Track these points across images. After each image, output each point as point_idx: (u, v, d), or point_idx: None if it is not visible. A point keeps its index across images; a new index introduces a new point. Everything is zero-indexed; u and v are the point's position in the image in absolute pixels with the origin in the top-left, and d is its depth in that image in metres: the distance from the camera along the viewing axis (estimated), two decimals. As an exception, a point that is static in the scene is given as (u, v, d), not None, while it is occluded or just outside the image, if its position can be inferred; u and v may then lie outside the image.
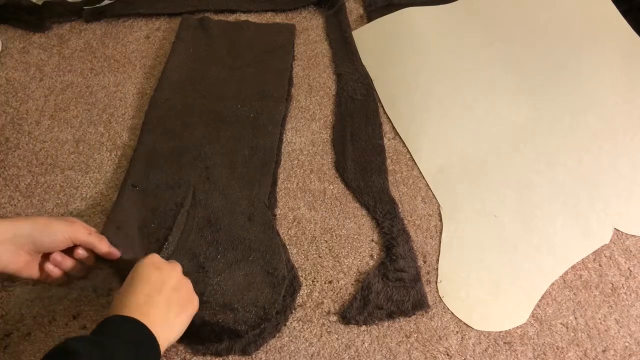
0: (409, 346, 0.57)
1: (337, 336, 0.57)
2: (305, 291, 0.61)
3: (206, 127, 0.73)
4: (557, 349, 0.57)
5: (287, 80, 0.81)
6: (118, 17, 0.91)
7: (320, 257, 0.63)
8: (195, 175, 0.68)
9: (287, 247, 0.64)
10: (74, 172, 0.70)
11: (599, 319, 0.59)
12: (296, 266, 0.62)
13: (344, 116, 0.77)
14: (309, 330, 0.58)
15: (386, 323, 0.58)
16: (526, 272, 0.63)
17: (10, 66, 0.83)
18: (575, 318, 0.59)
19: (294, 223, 0.66)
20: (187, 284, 0.53)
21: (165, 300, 0.49)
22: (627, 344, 0.58)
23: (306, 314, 0.59)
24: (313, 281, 0.61)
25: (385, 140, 0.75)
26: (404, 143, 0.75)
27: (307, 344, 0.57)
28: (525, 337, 0.58)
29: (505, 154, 0.74)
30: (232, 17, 0.92)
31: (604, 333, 0.58)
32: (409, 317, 0.59)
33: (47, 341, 0.56)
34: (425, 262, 0.63)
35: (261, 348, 0.56)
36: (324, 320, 0.58)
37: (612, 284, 0.62)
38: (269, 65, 0.82)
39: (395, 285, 0.59)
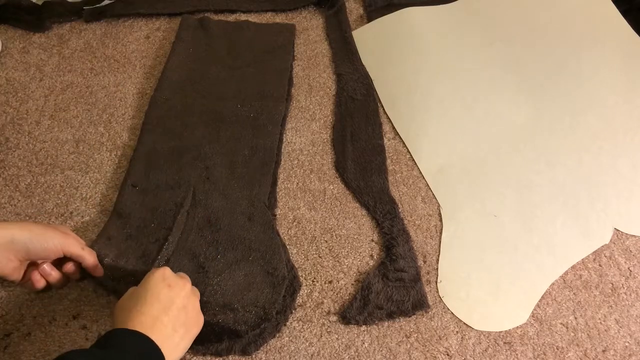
0: (409, 346, 0.57)
1: (337, 336, 0.57)
2: (305, 291, 0.61)
3: (206, 127, 0.73)
4: (557, 349, 0.57)
5: (287, 80, 0.81)
6: (118, 17, 0.91)
7: (320, 257, 0.63)
8: (195, 175, 0.68)
9: (287, 247, 0.64)
10: (74, 172, 0.70)
11: (599, 319, 0.59)
12: (296, 266, 0.62)
13: (344, 116, 0.77)
14: (309, 330, 0.58)
15: (386, 323, 0.58)
16: (526, 272, 0.63)
17: (10, 66, 0.83)
18: (575, 318, 0.59)
19: (294, 223, 0.66)
20: (195, 302, 0.52)
21: (172, 321, 0.48)
22: (627, 344, 0.58)
23: (306, 314, 0.59)
24: (313, 281, 0.61)
25: (385, 140, 0.75)
26: (404, 143, 0.75)
27: (307, 344, 0.57)
28: (525, 337, 0.58)
29: (505, 154, 0.74)
30: (232, 17, 0.92)
31: (604, 333, 0.58)
32: (409, 317, 0.59)
33: (47, 341, 0.56)
34: (425, 262, 0.63)
35: (261, 348, 0.56)
36: (324, 320, 0.58)
37: (612, 284, 0.62)
38: (269, 65, 0.82)
39: (395, 285, 0.59)
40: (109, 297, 0.59)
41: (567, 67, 0.83)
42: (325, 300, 0.60)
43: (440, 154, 0.74)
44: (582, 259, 0.64)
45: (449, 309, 0.60)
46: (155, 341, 0.45)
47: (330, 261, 0.63)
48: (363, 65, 0.84)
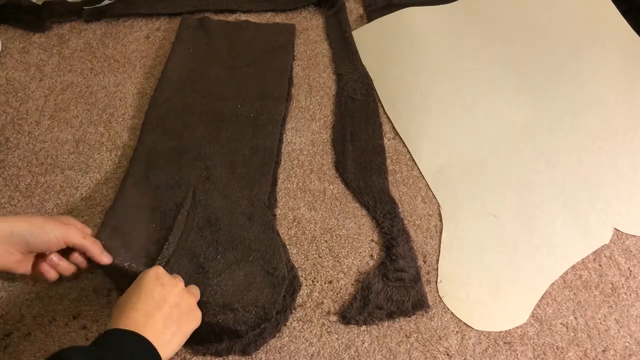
0: (409, 346, 0.57)
1: (337, 336, 0.57)
2: (305, 291, 0.61)
3: (206, 127, 0.73)
4: (557, 349, 0.57)
5: (287, 80, 0.80)
6: (118, 17, 0.91)
7: (320, 257, 0.63)
8: (195, 175, 0.68)
9: (287, 247, 0.64)
10: (74, 172, 0.70)
11: (599, 319, 0.59)
12: (296, 266, 0.62)
13: (344, 116, 0.77)
14: (309, 330, 0.58)
15: (386, 323, 0.58)
16: (526, 272, 0.63)
17: (10, 66, 0.83)
18: (575, 318, 0.59)
19: (294, 223, 0.66)
20: (188, 299, 0.53)
21: (163, 318, 0.48)
22: (627, 344, 0.58)
23: (306, 314, 0.59)
24: (313, 281, 0.61)
25: (385, 140, 0.75)
26: (404, 143, 0.75)
27: (307, 344, 0.57)
28: (525, 337, 0.58)
29: (505, 154, 0.74)
30: (232, 17, 0.92)
31: (604, 333, 0.58)
32: (409, 317, 0.59)
33: (47, 341, 0.56)
34: (425, 262, 0.63)
35: (261, 348, 0.56)
36: (324, 320, 0.58)
37: (612, 284, 0.62)
38: (269, 65, 0.82)
39: (395, 285, 0.59)
40: (109, 297, 0.59)
41: (567, 67, 0.83)
42: (325, 300, 0.60)
43: (440, 154, 0.74)
44: (582, 259, 0.64)
45: (449, 309, 0.60)
46: (148, 337, 0.46)
47: (330, 261, 0.63)
48: (363, 65, 0.84)
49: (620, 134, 0.75)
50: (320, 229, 0.66)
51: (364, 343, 0.57)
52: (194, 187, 0.66)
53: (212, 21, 0.88)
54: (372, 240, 0.65)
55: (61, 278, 0.56)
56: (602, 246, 0.65)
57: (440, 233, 0.66)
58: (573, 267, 0.63)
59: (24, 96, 0.79)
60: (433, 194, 0.70)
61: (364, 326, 0.58)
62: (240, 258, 0.60)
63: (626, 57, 0.84)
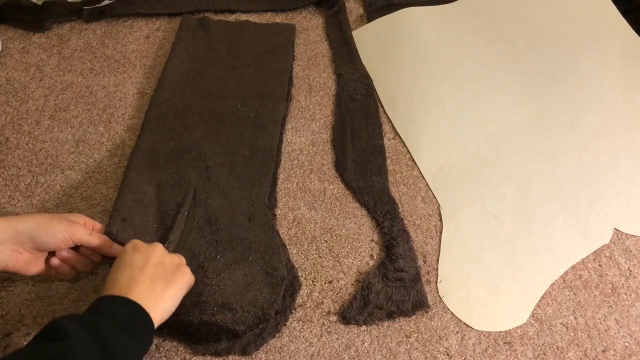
0: (409, 346, 0.57)
1: (337, 336, 0.57)
2: (305, 291, 0.61)
3: (206, 127, 0.73)
4: (557, 349, 0.57)
5: (287, 80, 0.81)
6: (118, 17, 0.91)
7: (320, 257, 0.63)
8: (195, 175, 0.68)
9: (287, 247, 0.64)
10: (74, 172, 0.70)
11: (599, 319, 0.59)
12: (296, 266, 0.62)
13: (344, 116, 0.77)
14: (309, 330, 0.58)
15: (386, 323, 0.58)
16: (526, 272, 0.63)
17: (10, 66, 0.83)
18: (575, 318, 0.59)
19: (294, 223, 0.66)
20: (172, 259, 0.53)
21: (149, 276, 0.49)
22: (627, 344, 0.58)
23: (306, 314, 0.59)
24: (313, 281, 0.61)
25: (385, 140, 0.75)
26: (404, 143, 0.75)
27: (307, 344, 0.57)
28: (525, 337, 0.58)
29: (505, 154, 0.74)
30: (232, 17, 0.92)
31: (604, 333, 0.58)
32: (409, 317, 0.59)
33: (47, 341, 0.56)
34: (425, 262, 0.63)
35: (261, 348, 0.56)
36: (324, 320, 0.58)
37: (612, 284, 0.62)
38: (269, 65, 0.82)
39: (395, 285, 0.59)
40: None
41: (567, 67, 0.83)
42: (325, 300, 0.60)
43: (440, 154, 0.74)
44: (582, 259, 0.64)
45: (449, 309, 0.60)
46: (135, 297, 0.47)
47: (330, 261, 0.63)
48: (363, 65, 0.84)
49: (620, 134, 0.75)
50: (320, 229, 0.66)
51: (364, 343, 0.57)
52: (194, 187, 0.66)
53: (212, 21, 0.88)
54: (372, 240, 0.65)
55: (78, 274, 0.57)
56: (602, 246, 0.65)
57: (440, 233, 0.66)
58: (573, 267, 0.63)
59: (24, 96, 0.79)
60: (433, 194, 0.70)
61: (364, 326, 0.58)
62: (240, 258, 0.60)
63: (626, 57, 0.84)
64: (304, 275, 0.62)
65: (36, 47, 0.86)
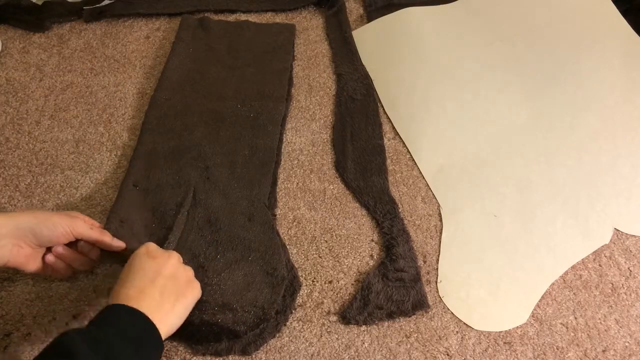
0: (409, 346, 0.57)
1: (337, 336, 0.57)
2: (305, 291, 0.61)
3: (206, 127, 0.73)
4: (557, 349, 0.57)
5: (287, 80, 0.81)
6: (118, 17, 0.91)
7: (320, 257, 0.63)
8: (195, 175, 0.68)
9: (287, 247, 0.64)
10: (74, 172, 0.70)
11: (599, 319, 0.59)
12: (296, 266, 0.62)
13: (344, 116, 0.77)
14: (309, 330, 0.58)
15: (386, 323, 0.58)
16: (526, 272, 0.63)
17: (10, 66, 0.83)
18: (575, 318, 0.59)
19: (294, 223, 0.66)
20: (185, 272, 0.53)
21: (159, 290, 0.48)
22: (627, 344, 0.58)
23: (306, 314, 0.59)
24: (313, 281, 0.61)
25: (385, 140, 0.75)
26: (404, 143, 0.75)
27: (307, 344, 0.57)
28: (525, 337, 0.58)
29: (505, 154, 0.74)
30: (232, 17, 0.92)
31: (604, 333, 0.58)
32: (409, 317, 0.59)
33: (47, 341, 0.56)
34: (425, 262, 0.63)
35: (261, 348, 0.56)
36: (324, 320, 0.58)
37: (612, 284, 0.62)
38: (269, 65, 0.82)
39: (395, 285, 0.59)
40: (109, 297, 0.59)
41: (567, 66, 0.83)
42: (325, 300, 0.60)
43: (440, 154, 0.74)
44: (582, 259, 0.64)
45: (449, 309, 0.60)
46: (143, 310, 0.46)
47: (330, 261, 0.63)
48: (363, 65, 0.84)
49: (620, 134, 0.75)
50: (320, 229, 0.66)
51: (364, 343, 0.57)
52: (194, 187, 0.66)
53: (212, 21, 0.88)
54: (372, 240, 0.65)
55: (75, 273, 0.56)
56: (602, 246, 0.65)
57: (440, 233, 0.66)
58: (573, 267, 0.63)
59: (24, 96, 0.79)
60: (433, 194, 0.70)
61: (364, 326, 0.58)
62: (240, 258, 0.60)
63: (626, 57, 0.84)
64: (304, 275, 0.62)
65: (36, 47, 0.86)
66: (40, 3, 0.90)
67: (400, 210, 0.67)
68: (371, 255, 0.64)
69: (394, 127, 0.77)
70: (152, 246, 0.52)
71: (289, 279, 0.60)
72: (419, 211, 0.68)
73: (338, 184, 0.70)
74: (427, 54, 0.86)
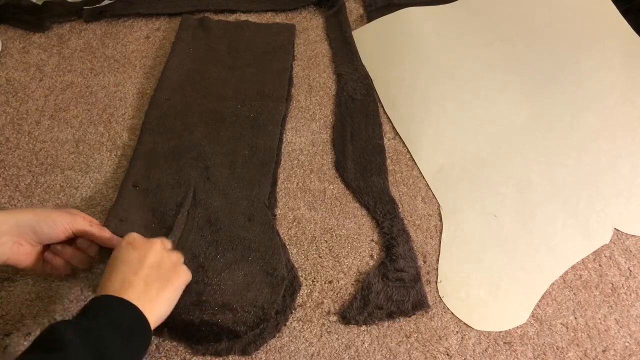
0: (409, 346, 0.57)
1: (337, 336, 0.57)
2: (305, 291, 0.61)
3: (206, 127, 0.73)
4: (557, 349, 0.57)
5: (287, 80, 0.81)
6: (118, 17, 0.91)
7: (320, 257, 0.63)
8: (195, 175, 0.68)
9: (287, 247, 0.64)
10: (74, 172, 0.70)
11: (599, 319, 0.59)
12: (296, 266, 0.62)
13: (344, 116, 0.77)
14: (309, 330, 0.58)
15: (386, 323, 0.58)
16: (526, 272, 0.63)
17: (10, 66, 0.83)
18: (575, 318, 0.59)
19: (294, 223, 0.66)
20: (170, 258, 0.53)
21: (143, 279, 0.49)
22: (627, 344, 0.58)
23: (306, 314, 0.59)
24: (313, 281, 0.61)
25: (385, 140, 0.75)
26: (404, 143, 0.75)
27: (307, 344, 0.57)
28: (525, 337, 0.58)
29: (505, 154, 0.74)
30: (232, 17, 0.92)
31: (604, 333, 0.58)
32: (409, 317, 0.59)
33: (47, 341, 0.56)
34: (425, 262, 0.63)
35: (261, 348, 0.56)
36: (324, 320, 0.58)
37: (612, 284, 0.62)
38: (269, 65, 0.82)
39: (395, 285, 0.59)
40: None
41: (567, 67, 0.83)
42: (325, 300, 0.60)
43: (440, 154, 0.74)
44: (582, 259, 0.64)
45: (449, 309, 0.60)
46: (129, 299, 0.46)
47: (330, 261, 0.63)
48: (363, 65, 0.84)
49: (620, 134, 0.75)
50: (320, 229, 0.66)
51: (364, 343, 0.57)
52: (194, 187, 0.66)
53: (212, 21, 0.88)
54: (372, 240, 0.65)
55: (74, 270, 0.56)
56: (602, 246, 0.65)
57: (440, 233, 0.66)
58: (573, 267, 0.63)
59: (24, 96, 0.79)
60: (433, 194, 0.70)
61: (364, 326, 0.58)
62: (240, 258, 0.60)
63: (626, 57, 0.84)
64: (304, 275, 0.62)
65: (36, 47, 0.86)
66: (40, 3, 0.90)
67: (400, 210, 0.67)
68: (371, 255, 0.64)
69: (394, 127, 0.77)
70: (133, 236, 0.52)
71: (289, 279, 0.60)
72: (419, 211, 0.68)
73: (338, 184, 0.70)
74: (427, 54, 0.86)
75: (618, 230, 0.67)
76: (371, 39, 0.88)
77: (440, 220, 0.67)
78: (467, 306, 0.60)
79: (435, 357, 0.56)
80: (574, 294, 0.61)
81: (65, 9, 0.90)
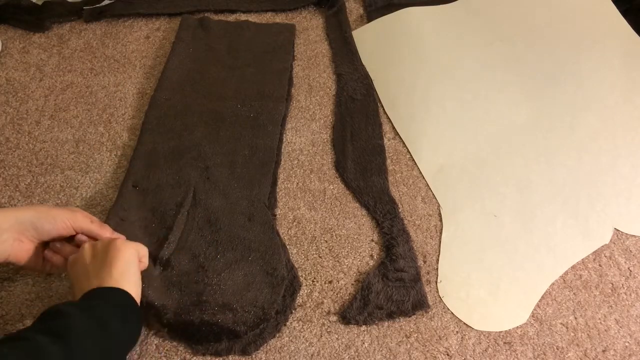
0: (409, 346, 0.57)
1: (337, 336, 0.57)
2: (305, 291, 0.61)
3: (206, 127, 0.73)
4: (557, 349, 0.57)
5: (287, 80, 0.81)
6: (118, 17, 0.91)
7: (320, 257, 0.63)
8: (195, 175, 0.68)
9: (287, 247, 0.64)
10: (74, 172, 0.70)
11: (599, 319, 0.59)
12: (296, 266, 0.62)
13: (344, 116, 0.77)
14: (309, 330, 0.58)
15: (386, 323, 0.58)
16: (526, 272, 0.63)
17: (10, 66, 0.83)
18: (575, 318, 0.59)
19: (294, 223, 0.66)
20: (103, 243, 0.53)
21: (93, 275, 0.49)
22: (627, 344, 0.58)
23: (306, 314, 0.59)
24: (313, 281, 0.61)
25: (385, 140, 0.75)
26: (404, 143, 0.75)
27: (307, 344, 0.57)
28: (525, 337, 0.58)
29: (505, 154, 0.74)
30: (232, 17, 0.92)
31: (604, 333, 0.58)
32: (409, 317, 0.59)
33: (47, 341, 0.56)
34: (425, 262, 0.63)
35: (261, 348, 0.56)
36: (324, 320, 0.58)
37: (612, 284, 0.62)
38: (269, 65, 0.82)
39: (395, 285, 0.59)
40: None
41: (567, 66, 0.83)
42: (325, 300, 0.60)
43: (440, 154, 0.74)
44: (582, 259, 0.64)
45: (449, 309, 0.60)
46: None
47: (330, 261, 0.63)
48: (363, 65, 0.84)
49: (620, 134, 0.75)
50: (320, 229, 0.66)
51: (364, 343, 0.57)
52: (194, 187, 0.66)
53: (212, 21, 0.88)
54: (372, 240, 0.65)
55: None
56: (602, 246, 0.65)
57: (440, 233, 0.66)
58: (573, 267, 0.63)
59: (24, 96, 0.79)
60: (433, 194, 0.70)
61: (364, 326, 0.58)
62: (240, 258, 0.60)
63: (626, 57, 0.84)
64: (304, 275, 0.62)
65: (36, 47, 0.86)
66: (40, 3, 0.90)
67: (400, 210, 0.67)
68: (371, 255, 0.64)
69: (394, 127, 0.77)
70: (73, 257, 0.53)
71: (289, 279, 0.60)
72: (419, 211, 0.68)
73: (338, 184, 0.70)
74: (427, 54, 0.86)
75: (618, 230, 0.67)
76: (371, 39, 0.88)
77: (440, 220, 0.67)
78: (467, 306, 0.60)
79: (435, 357, 0.56)
80: (574, 294, 0.61)
81: (65, 9, 0.90)
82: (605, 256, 0.65)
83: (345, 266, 0.63)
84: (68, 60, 0.84)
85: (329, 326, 0.58)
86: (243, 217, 0.64)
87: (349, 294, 0.60)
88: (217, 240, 0.62)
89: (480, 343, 0.57)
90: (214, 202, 0.65)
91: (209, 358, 0.55)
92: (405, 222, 0.66)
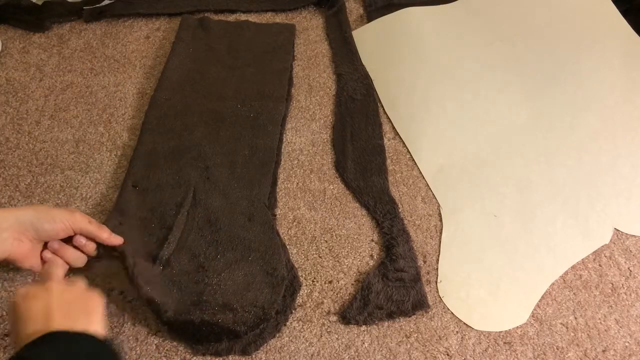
0: (409, 346, 0.57)
1: (337, 336, 0.57)
2: (305, 291, 0.61)
3: (206, 127, 0.73)
4: (557, 349, 0.57)
5: (287, 80, 0.80)
6: (118, 17, 0.91)
7: (320, 257, 0.63)
8: (195, 175, 0.68)
9: (287, 247, 0.64)
10: (74, 172, 0.70)
11: (599, 319, 0.59)
12: (296, 266, 0.62)
13: (344, 116, 0.77)
14: (309, 330, 0.58)
15: (386, 323, 0.58)
16: (526, 272, 0.63)
17: (10, 66, 0.83)
18: (575, 318, 0.59)
19: (294, 223, 0.66)
20: (74, 288, 0.48)
21: (64, 319, 0.44)
22: (627, 344, 0.58)
23: (306, 314, 0.59)
24: (313, 281, 0.61)
25: (385, 140, 0.75)
26: (404, 143, 0.75)
27: (307, 344, 0.57)
28: (525, 337, 0.58)
29: (505, 154, 0.74)
30: (232, 17, 0.92)
31: (604, 333, 0.58)
32: (409, 317, 0.59)
33: (47, 341, 0.56)
34: (425, 262, 0.63)
35: (261, 348, 0.56)
36: (324, 320, 0.58)
37: (612, 284, 0.62)
38: (269, 65, 0.82)
39: (395, 285, 0.59)
40: (109, 297, 0.59)
41: (567, 66, 0.83)
42: (325, 300, 0.60)
43: (440, 154, 0.74)
44: (582, 259, 0.64)
45: (449, 309, 0.60)
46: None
47: (330, 261, 0.63)
48: (363, 65, 0.84)
49: (620, 134, 0.75)
50: (320, 229, 0.66)
51: (364, 343, 0.57)
52: (194, 187, 0.66)
53: (212, 21, 0.88)
54: (372, 240, 0.65)
55: (71, 269, 0.56)
56: (602, 246, 0.65)
57: (440, 233, 0.66)
58: (573, 267, 0.63)
59: (24, 96, 0.79)
60: (433, 194, 0.70)
61: (364, 326, 0.58)
62: (240, 258, 0.60)
63: (626, 57, 0.84)
64: (304, 275, 0.62)
65: (36, 47, 0.86)
66: (40, 3, 0.90)
67: (400, 210, 0.67)
68: (371, 255, 0.64)
69: (394, 127, 0.77)
70: (25, 289, 0.47)
71: (289, 279, 0.60)
72: (419, 211, 0.68)
73: (338, 184, 0.70)
74: (427, 54, 0.86)
75: (618, 230, 0.67)
76: (371, 39, 0.88)
77: (440, 220, 0.67)
78: (467, 306, 0.60)
79: (435, 357, 0.56)
80: (574, 294, 0.61)
81: (65, 9, 0.90)
82: (605, 256, 0.65)
83: (345, 266, 0.63)
84: (68, 60, 0.84)
85: (329, 326, 0.58)
86: (243, 217, 0.64)
87: (349, 294, 0.60)
88: (217, 240, 0.62)
89: (480, 343, 0.57)
90: (214, 202, 0.65)
91: (209, 358, 0.55)
92: (405, 222, 0.66)
